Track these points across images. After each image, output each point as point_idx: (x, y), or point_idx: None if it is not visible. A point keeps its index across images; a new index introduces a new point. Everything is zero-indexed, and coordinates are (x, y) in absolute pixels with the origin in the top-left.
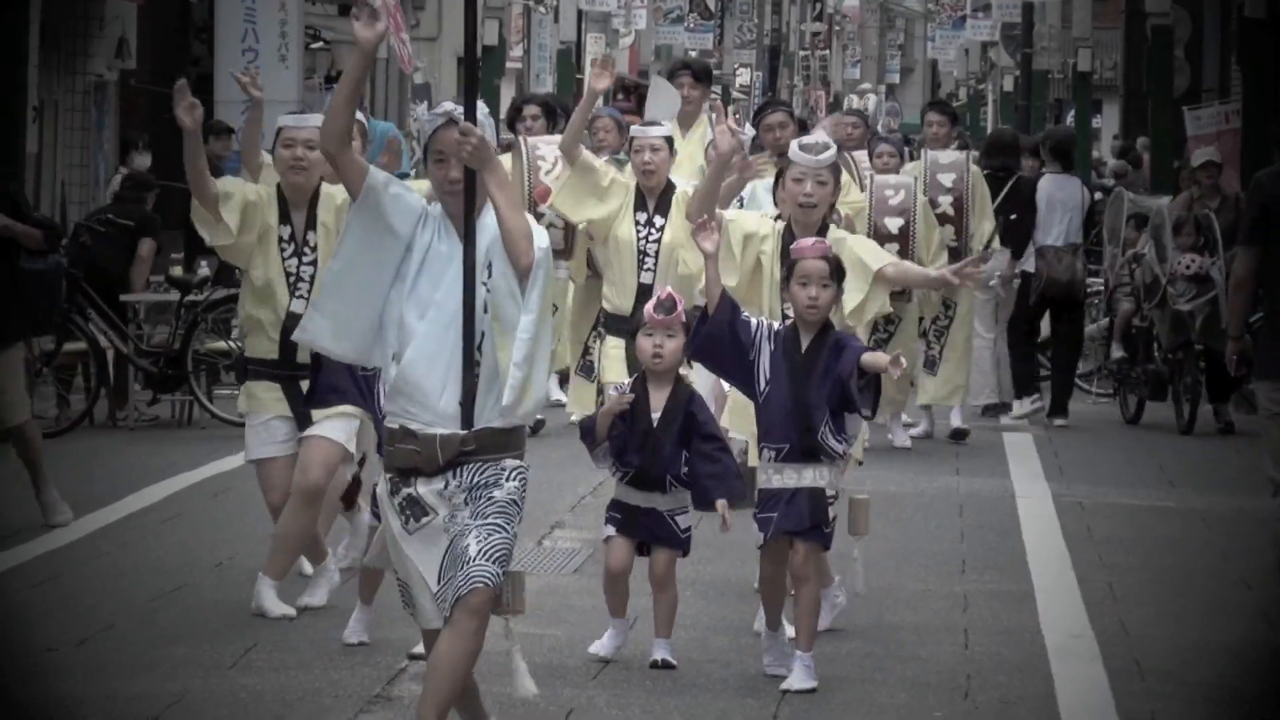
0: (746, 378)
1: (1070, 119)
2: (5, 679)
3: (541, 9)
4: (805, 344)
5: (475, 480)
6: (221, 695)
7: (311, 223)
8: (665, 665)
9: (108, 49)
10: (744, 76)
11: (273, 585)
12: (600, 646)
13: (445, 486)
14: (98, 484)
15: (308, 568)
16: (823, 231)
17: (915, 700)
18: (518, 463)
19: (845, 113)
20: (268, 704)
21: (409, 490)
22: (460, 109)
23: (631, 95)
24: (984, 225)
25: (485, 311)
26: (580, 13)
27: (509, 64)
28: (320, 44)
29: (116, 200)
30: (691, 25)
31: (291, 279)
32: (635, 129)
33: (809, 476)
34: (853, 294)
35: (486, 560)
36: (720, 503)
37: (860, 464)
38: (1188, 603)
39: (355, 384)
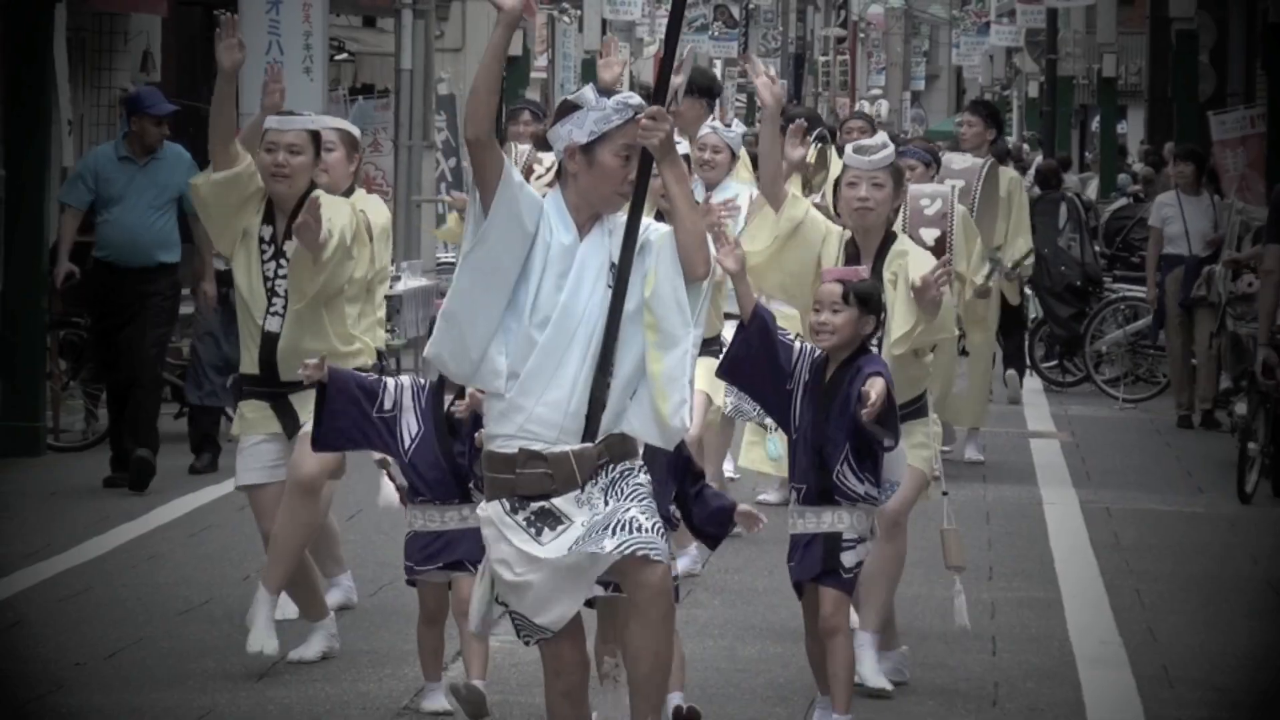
0: (784, 410)
1: (1095, 125)
2: (35, 692)
3: (566, 19)
4: (830, 374)
5: (614, 481)
6: (250, 708)
7: (290, 231)
8: (691, 716)
9: (132, 62)
10: None
11: (270, 600)
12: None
13: (582, 491)
14: (126, 497)
15: (292, 611)
16: (888, 241)
17: (943, 708)
18: (640, 461)
19: (850, 115)
20: (296, 717)
21: (539, 504)
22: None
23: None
24: (1016, 241)
25: (611, 318)
26: (605, 22)
27: (533, 74)
28: (344, 55)
29: None
30: (716, 34)
31: (268, 289)
32: None
33: (827, 520)
34: (900, 319)
35: (659, 535)
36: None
37: (946, 494)
38: (1216, 609)
39: (368, 426)
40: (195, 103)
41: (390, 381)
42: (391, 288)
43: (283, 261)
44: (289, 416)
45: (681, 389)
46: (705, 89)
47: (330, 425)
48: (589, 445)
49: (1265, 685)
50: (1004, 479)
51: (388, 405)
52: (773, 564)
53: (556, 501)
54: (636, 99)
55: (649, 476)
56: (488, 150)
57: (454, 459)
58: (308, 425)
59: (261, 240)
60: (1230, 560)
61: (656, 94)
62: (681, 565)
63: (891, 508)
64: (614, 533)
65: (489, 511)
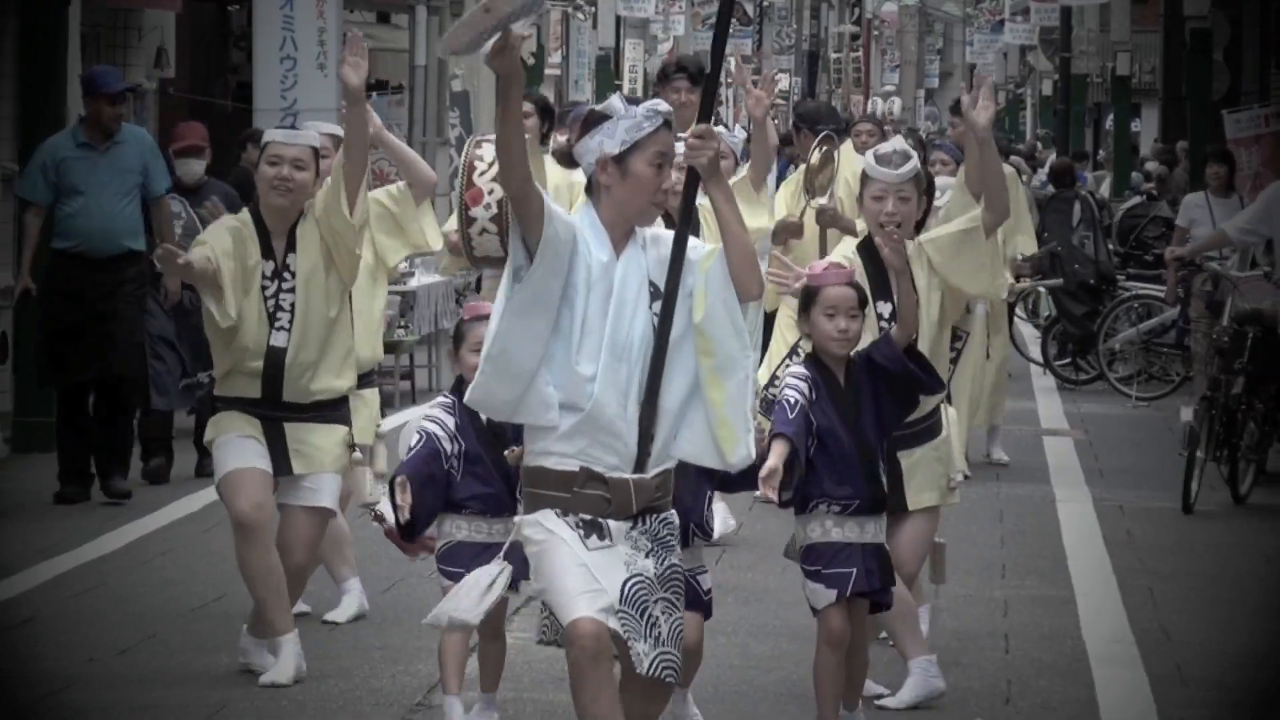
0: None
1: (1109, 123)
2: (47, 689)
3: (580, 15)
4: (843, 380)
5: (659, 534)
6: (263, 705)
7: (292, 244)
8: None
9: (146, 58)
10: (783, 81)
11: (261, 644)
12: None
13: (632, 527)
14: (140, 493)
15: (300, 606)
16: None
17: (956, 705)
18: (677, 521)
19: (861, 118)
20: (309, 713)
21: (589, 517)
22: (671, 110)
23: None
24: (1015, 239)
25: (659, 345)
26: (619, 19)
27: (547, 70)
28: None
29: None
30: (730, 31)
31: (270, 308)
32: None
33: (870, 530)
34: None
35: (675, 645)
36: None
37: (954, 497)
38: (1229, 608)
39: (443, 488)
40: (209, 98)
41: (430, 426)
42: (405, 284)
43: (286, 277)
44: (279, 447)
45: (746, 418)
46: (701, 74)
47: (423, 514)
48: (647, 477)
49: (1277, 684)
50: (1017, 476)
51: (448, 449)
52: (785, 562)
53: (610, 523)
54: (665, 105)
55: (676, 523)
56: (528, 203)
57: (505, 468)
58: (303, 500)
59: (264, 276)
60: (1243, 559)
61: (702, 112)
62: (716, 528)
63: (910, 571)
64: (649, 636)
65: (535, 515)
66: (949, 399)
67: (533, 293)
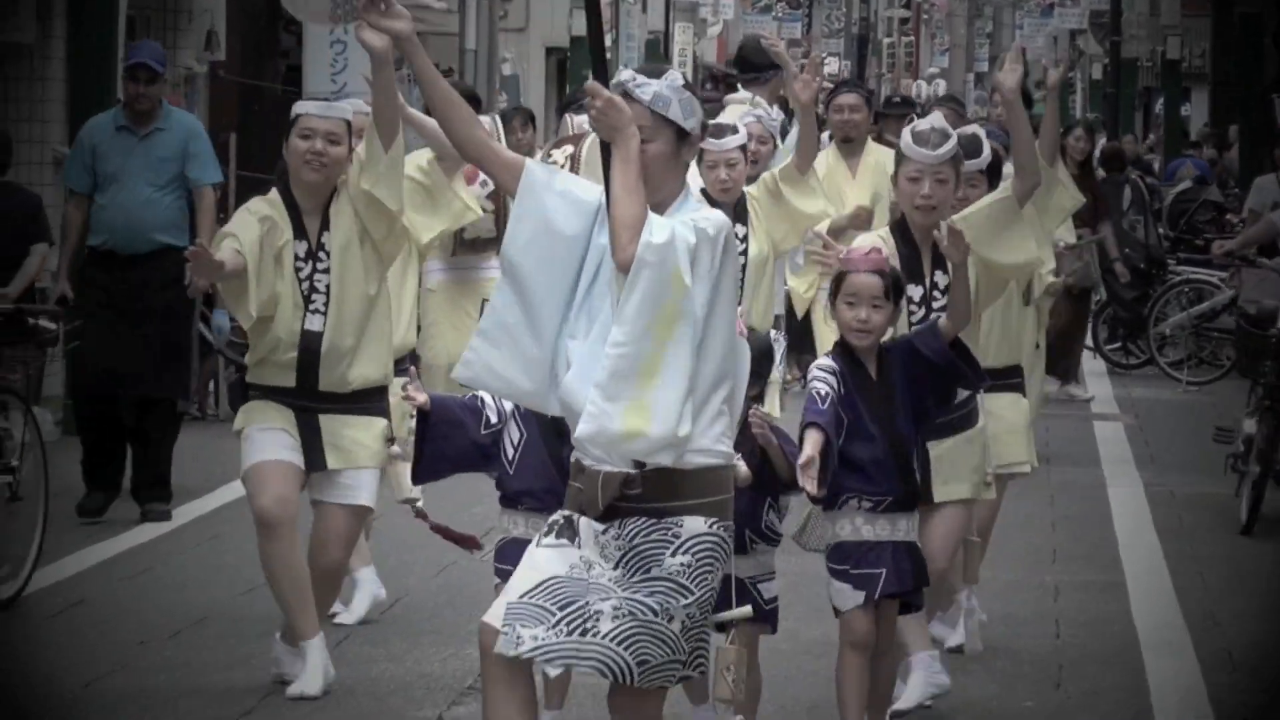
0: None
1: (1159, 107)
2: (97, 672)
3: None
4: (874, 371)
5: (638, 543)
6: None
7: (326, 223)
8: None
9: (196, 41)
10: (832, 65)
11: (294, 651)
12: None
13: (605, 530)
14: (188, 477)
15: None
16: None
17: (1006, 690)
18: (701, 529)
19: (941, 99)
20: (359, 697)
21: (571, 514)
22: (638, 77)
23: (720, 85)
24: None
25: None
26: (668, 2)
27: None
28: None
29: None
30: (780, 14)
31: (305, 290)
32: (708, 141)
33: (903, 528)
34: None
35: (617, 643)
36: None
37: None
38: None
39: (471, 449)
40: (259, 82)
41: (484, 392)
42: None
43: (320, 257)
44: (314, 441)
45: (600, 391)
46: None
47: (432, 453)
48: (619, 471)
49: None
50: (1067, 461)
51: (494, 420)
52: None
53: (582, 522)
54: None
55: (695, 554)
56: (487, 163)
57: (562, 464)
58: (340, 497)
59: (297, 256)
60: None
61: (595, 71)
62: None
63: (939, 566)
64: (557, 625)
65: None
66: (1020, 389)
67: (524, 247)
